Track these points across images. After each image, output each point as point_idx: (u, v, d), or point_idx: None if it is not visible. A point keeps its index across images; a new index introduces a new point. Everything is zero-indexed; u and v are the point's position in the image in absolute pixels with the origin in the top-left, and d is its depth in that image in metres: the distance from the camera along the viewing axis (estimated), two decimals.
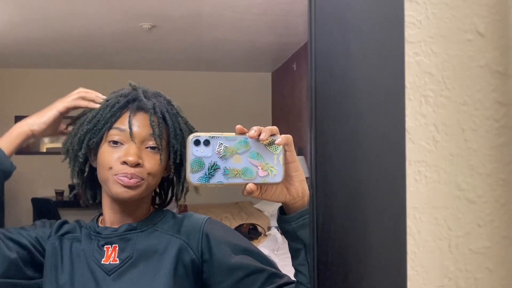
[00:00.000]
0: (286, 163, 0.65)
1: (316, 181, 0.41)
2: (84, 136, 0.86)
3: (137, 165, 0.82)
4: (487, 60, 0.44)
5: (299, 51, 5.17)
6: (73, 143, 0.87)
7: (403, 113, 0.43)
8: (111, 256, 0.85)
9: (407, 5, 0.43)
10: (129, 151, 0.83)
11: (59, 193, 5.74)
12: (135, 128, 0.84)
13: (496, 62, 0.44)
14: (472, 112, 0.44)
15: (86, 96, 0.88)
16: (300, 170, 0.68)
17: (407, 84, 0.44)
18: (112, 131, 0.84)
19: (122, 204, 0.87)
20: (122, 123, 0.84)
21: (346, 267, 0.41)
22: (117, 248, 0.85)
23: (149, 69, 6.23)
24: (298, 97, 5.26)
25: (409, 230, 0.44)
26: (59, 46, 4.95)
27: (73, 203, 5.02)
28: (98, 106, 0.88)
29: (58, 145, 6.39)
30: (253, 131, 0.62)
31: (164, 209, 0.96)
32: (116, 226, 0.88)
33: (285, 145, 0.64)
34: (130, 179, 0.82)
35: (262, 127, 0.63)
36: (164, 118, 0.88)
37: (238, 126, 0.63)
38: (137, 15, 3.90)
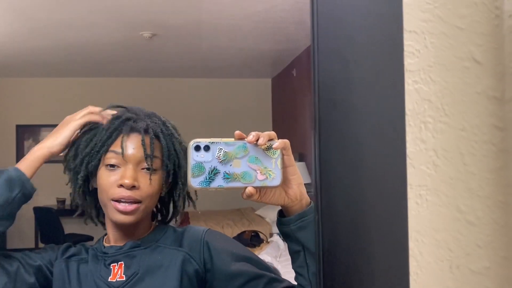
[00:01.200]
0: (284, 167, 0.67)
1: (321, 207, 0.42)
2: (82, 160, 0.87)
3: (133, 187, 0.84)
4: (484, 86, 0.46)
5: (299, 57, 5.20)
6: (73, 166, 0.89)
7: (404, 138, 0.44)
8: (117, 273, 0.87)
9: (406, 35, 0.45)
10: (125, 174, 0.84)
11: (61, 202, 5.75)
12: (129, 150, 0.85)
13: (493, 88, 0.46)
14: (471, 137, 0.46)
15: (96, 111, 0.90)
16: (298, 174, 0.71)
17: (407, 111, 0.45)
18: (109, 154, 0.85)
19: (122, 225, 0.89)
20: (118, 145, 0.85)
21: None
22: (123, 265, 0.87)
23: (150, 76, 6.26)
24: (298, 103, 5.28)
25: (411, 252, 0.45)
26: (60, 55, 4.98)
27: (75, 212, 5.03)
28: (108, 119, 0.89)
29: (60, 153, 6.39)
30: (251, 136, 0.65)
31: (165, 225, 0.98)
32: (121, 244, 0.90)
33: (282, 149, 0.66)
34: (127, 204, 0.84)
35: (260, 132, 0.66)
36: (158, 138, 0.89)
37: (237, 132, 0.66)
38: (137, 24, 3.93)
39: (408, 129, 0.45)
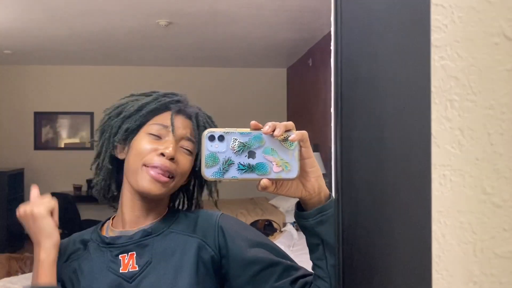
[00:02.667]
0: (302, 159, 0.65)
1: (342, 185, 0.41)
2: (122, 121, 0.89)
3: (172, 159, 0.85)
4: None
5: (315, 46, 5.15)
6: (111, 126, 0.90)
7: (429, 117, 0.43)
8: (129, 264, 0.85)
9: (433, 9, 0.43)
10: (168, 144, 0.85)
11: (77, 188, 5.83)
12: (177, 127, 0.88)
13: None
14: (498, 116, 0.44)
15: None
16: (316, 166, 0.68)
17: (432, 88, 0.44)
18: (154, 126, 0.87)
19: (143, 200, 0.88)
20: (164, 120, 0.88)
21: (371, 270, 0.41)
22: (135, 255, 0.86)
23: (165, 65, 6.28)
24: (314, 93, 5.24)
25: (433, 234, 0.44)
26: (77, 43, 5.01)
27: (91, 198, 5.07)
28: None
29: (76, 140, 6.49)
30: (268, 127, 0.63)
31: (176, 208, 0.97)
32: (133, 227, 0.89)
33: (300, 141, 0.64)
34: (163, 173, 0.84)
35: (276, 123, 0.64)
36: (205, 128, 0.90)
37: (253, 122, 0.64)
38: (153, 11, 3.93)
39: (433, 107, 0.43)
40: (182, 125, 0.89)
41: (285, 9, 3.88)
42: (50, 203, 0.88)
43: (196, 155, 0.91)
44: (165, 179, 0.85)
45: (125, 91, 0.99)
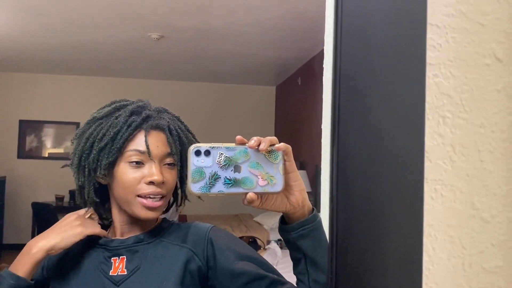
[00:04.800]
0: (286, 173, 0.66)
1: (337, 197, 0.42)
2: (98, 155, 0.86)
3: (162, 183, 0.85)
4: (504, 84, 0.46)
5: (305, 66, 5.21)
6: (89, 162, 0.87)
7: (423, 132, 0.44)
8: (118, 267, 0.86)
9: (428, 29, 0.45)
10: (152, 171, 0.84)
11: (59, 199, 5.74)
12: (153, 148, 0.86)
13: None
14: (489, 134, 0.46)
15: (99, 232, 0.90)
16: (300, 180, 0.70)
17: (425, 104, 0.45)
18: (130, 153, 0.85)
19: (142, 219, 0.88)
20: (139, 144, 0.86)
21: (364, 281, 0.42)
22: (125, 260, 0.87)
23: (155, 78, 6.28)
24: (301, 112, 5.28)
25: (424, 247, 0.45)
26: (67, 52, 5.00)
27: (73, 209, 5.01)
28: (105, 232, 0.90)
29: (61, 150, 6.41)
30: (253, 141, 0.64)
31: (170, 221, 0.97)
32: (125, 237, 0.90)
33: (284, 154, 0.66)
34: (155, 200, 0.85)
35: (261, 138, 0.65)
36: (178, 136, 0.90)
37: (238, 137, 0.65)
38: (146, 24, 3.95)
39: (426, 123, 0.45)
40: (159, 142, 0.87)
41: (277, 28, 3.94)
42: (95, 232, 0.88)
43: (181, 165, 0.90)
44: (158, 203, 0.85)
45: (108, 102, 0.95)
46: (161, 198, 0.86)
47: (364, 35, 0.44)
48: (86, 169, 0.88)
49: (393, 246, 0.43)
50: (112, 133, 0.86)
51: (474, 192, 0.46)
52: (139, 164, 0.85)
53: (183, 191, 0.96)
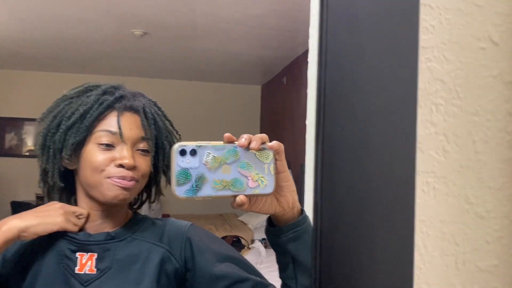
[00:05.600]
0: (277, 173, 0.62)
1: (322, 190, 0.38)
2: (65, 134, 0.80)
3: (133, 167, 0.79)
4: (500, 70, 0.43)
5: (290, 65, 5.19)
6: (54, 140, 0.80)
7: (415, 120, 0.41)
8: (86, 264, 0.79)
9: (420, 9, 0.42)
10: (124, 154, 0.78)
11: (40, 198, 5.61)
12: (126, 130, 0.79)
13: (510, 72, 0.43)
14: (484, 123, 0.43)
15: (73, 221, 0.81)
16: (291, 180, 0.65)
17: (418, 90, 0.42)
18: (101, 133, 0.79)
19: (106, 208, 0.82)
20: (110, 124, 0.79)
21: (351, 281, 0.38)
22: (95, 258, 0.79)
23: (139, 76, 6.19)
24: (287, 111, 5.26)
25: (415, 245, 0.41)
26: (48, 49, 4.89)
27: None
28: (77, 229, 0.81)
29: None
30: (244, 139, 0.59)
31: (142, 215, 0.91)
32: (95, 233, 0.83)
33: (276, 153, 0.61)
34: (128, 180, 0.78)
35: (252, 135, 0.60)
36: (155, 121, 0.85)
37: (227, 134, 0.60)
38: (129, 21, 3.88)
39: (418, 110, 0.42)
40: (132, 125, 0.81)
41: (262, 27, 3.91)
42: (73, 230, 0.80)
43: (156, 152, 0.85)
44: (131, 183, 0.79)
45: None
46: (134, 181, 0.79)
47: (352, 17, 0.40)
48: (51, 150, 0.81)
49: (382, 245, 0.40)
50: (81, 111, 0.79)
51: (468, 185, 0.42)
52: (109, 146, 0.78)
53: (157, 184, 0.90)
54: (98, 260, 0.79)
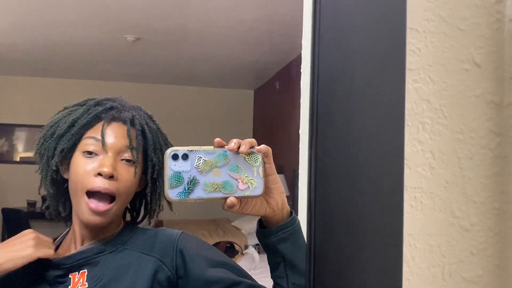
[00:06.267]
0: (266, 175, 0.65)
1: (315, 205, 0.40)
2: (56, 142, 0.82)
3: (111, 177, 0.78)
4: (483, 90, 0.45)
5: (283, 70, 5.22)
6: (47, 148, 0.83)
7: (403, 138, 0.43)
8: (78, 282, 0.80)
9: (407, 33, 0.44)
10: (104, 162, 0.78)
11: (31, 204, 5.57)
12: (110, 139, 0.81)
13: (491, 92, 0.45)
14: (468, 140, 0.45)
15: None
16: (279, 183, 0.68)
17: (405, 110, 0.44)
18: (87, 140, 0.80)
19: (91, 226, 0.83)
20: (97, 132, 0.81)
21: None
22: (86, 274, 0.80)
23: (132, 81, 6.19)
24: (279, 116, 5.29)
25: (403, 257, 0.43)
26: (40, 54, 4.87)
27: (45, 215, 4.89)
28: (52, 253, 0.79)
29: (33, 154, 6.23)
30: (233, 143, 0.62)
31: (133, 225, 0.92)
32: (85, 244, 0.84)
33: (264, 157, 0.64)
34: (99, 203, 0.78)
35: (241, 140, 0.63)
36: (143, 131, 0.86)
37: (217, 139, 0.63)
38: (121, 26, 3.88)
39: (406, 129, 0.44)
40: (117, 134, 0.82)
41: (255, 31, 3.93)
42: (48, 254, 0.78)
43: (145, 163, 0.86)
44: (105, 207, 0.78)
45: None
46: (111, 201, 0.79)
47: (343, 39, 0.43)
48: (45, 157, 0.83)
49: (372, 257, 0.42)
50: (71, 120, 0.82)
51: (454, 200, 0.45)
52: (92, 154, 0.79)
53: (157, 200, 0.91)
54: (89, 274, 0.80)
